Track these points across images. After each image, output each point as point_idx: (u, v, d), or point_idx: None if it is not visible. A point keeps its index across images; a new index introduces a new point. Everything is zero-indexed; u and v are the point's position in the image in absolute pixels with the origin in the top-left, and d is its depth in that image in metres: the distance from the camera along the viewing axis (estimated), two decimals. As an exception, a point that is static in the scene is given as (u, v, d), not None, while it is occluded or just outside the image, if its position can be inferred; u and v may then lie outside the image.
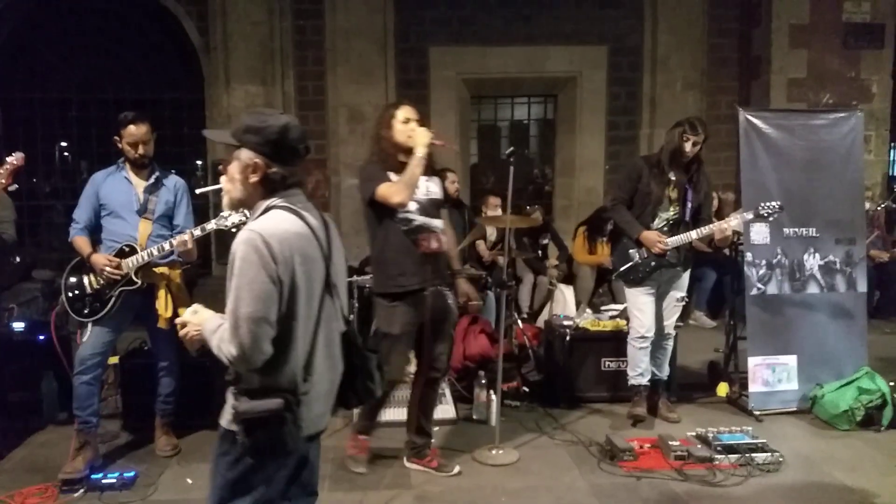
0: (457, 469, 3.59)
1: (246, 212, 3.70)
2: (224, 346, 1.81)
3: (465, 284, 3.72)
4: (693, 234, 4.16)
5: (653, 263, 4.17)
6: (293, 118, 1.99)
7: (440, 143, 3.44)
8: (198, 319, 1.94)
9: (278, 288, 1.82)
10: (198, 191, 4.01)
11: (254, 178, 1.93)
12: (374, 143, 3.49)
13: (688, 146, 4.10)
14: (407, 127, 3.35)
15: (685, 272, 4.31)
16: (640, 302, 4.26)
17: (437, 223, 3.44)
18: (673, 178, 4.18)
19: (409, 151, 3.31)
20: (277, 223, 1.87)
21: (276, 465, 1.92)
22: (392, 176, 3.31)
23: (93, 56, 7.89)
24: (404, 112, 3.40)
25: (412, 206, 3.32)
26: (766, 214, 4.14)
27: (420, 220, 3.36)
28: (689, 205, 4.19)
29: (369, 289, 5.71)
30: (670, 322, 4.35)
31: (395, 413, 4.33)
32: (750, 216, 4.21)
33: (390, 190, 3.24)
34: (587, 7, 7.94)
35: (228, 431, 1.90)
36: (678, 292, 4.31)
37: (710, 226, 4.14)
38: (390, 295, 3.36)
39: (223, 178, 2.00)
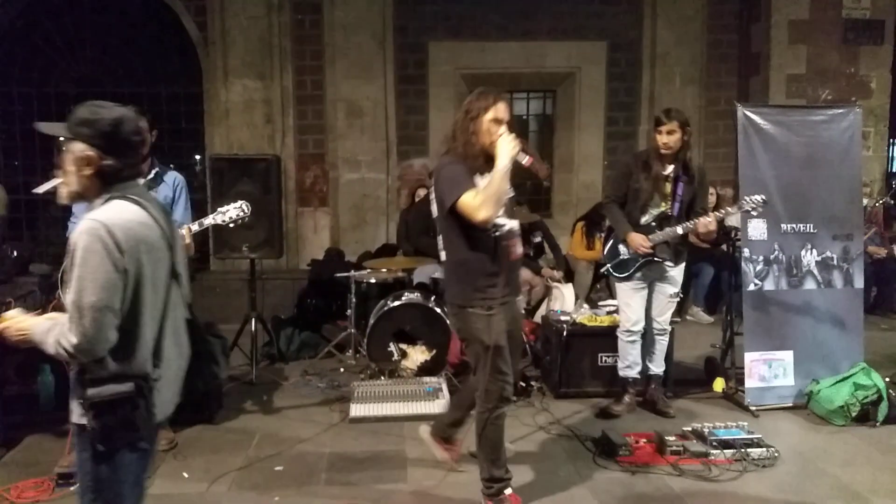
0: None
1: (244, 206, 3.74)
2: (65, 338, 1.81)
3: (525, 272, 3.41)
4: (678, 230, 4.15)
5: (641, 260, 4.20)
6: (129, 110, 2.00)
7: (527, 162, 2.98)
8: (19, 325, 1.96)
9: (123, 277, 1.84)
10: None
11: (87, 171, 1.93)
12: (457, 134, 3.02)
13: (662, 138, 4.11)
14: (494, 128, 2.93)
15: (676, 267, 4.29)
16: (627, 296, 4.32)
17: (517, 226, 3.14)
18: (665, 174, 4.17)
19: (489, 155, 2.93)
20: (120, 213, 1.88)
21: (134, 453, 1.95)
22: (478, 180, 2.93)
23: (90, 50, 7.88)
24: (497, 111, 2.95)
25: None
26: (749, 209, 4.11)
27: (508, 223, 3.04)
28: (679, 199, 4.18)
29: (366, 284, 5.78)
30: (664, 318, 4.35)
31: (392, 407, 4.35)
32: (734, 211, 4.21)
33: (474, 204, 2.83)
34: (586, 2, 7.93)
35: (80, 426, 1.91)
36: (671, 288, 4.29)
37: (694, 220, 4.12)
38: (482, 306, 2.97)
39: (60, 172, 2.00)
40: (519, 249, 3.09)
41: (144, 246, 1.89)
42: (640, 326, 4.29)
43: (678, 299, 4.39)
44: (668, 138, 4.08)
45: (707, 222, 4.06)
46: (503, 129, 2.93)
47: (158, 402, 1.95)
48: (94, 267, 1.80)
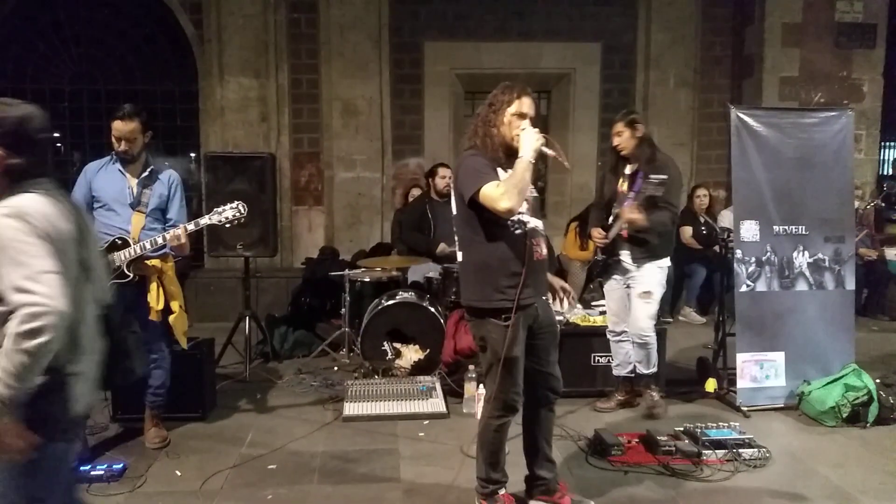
0: None
1: (240, 206, 3.74)
2: (21, 327, 1.75)
3: (556, 280, 3.26)
4: (616, 226, 4.24)
5: (609, 260, 4.34)
6: (35, 108, 1.99)
7: (553, 154, 2.94)
8: None
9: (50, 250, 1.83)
10: None
11: None
12: (478, 127, 2.93)
13: (614, 140, 4.26)
14: (516, 122, 2.87)
15: (644, 266, 4.25)
16: (607, 297, 4.51)
17: (542, 225, 3.04)
18: (626, 172, 4.29)
19: (511, 149, 2.88)
20: (31, 202, 1.87)
21: (54, 446, 1.93)
22: (500, 173, 2.85)
23: (85, 47, 7.84)
24: (521, 105, 2.88)
25: (523, 205, 2.87)
26: (649, 191, 4.05)
27: (533, 221, 2.93)
28: (632, 196, 4.21)
29: (360, 283, 5.79)
30: (640, 316, 4.25)
31: (386, 406, 4.36)
32: (632, 195, 4.17)
33: (497, 192, 2.74)
34: (581, 4, 7.94)
35: None
36: (640, 286, 4.27)
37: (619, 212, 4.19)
38: (502, 311, 2.85)
39: None
40: (543, 250, 2.99)
41: (56, 233, 1.87)
42: (620, 327, 4.39)
43: (650, 298, 4.25)
44: (618, 139, 4.26)
45: (622, 213, 4.11)
46: (526, 122, 2.87)
47: (76, 395, 1.95)
48: (25, 244, 1.79)
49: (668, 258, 4.36)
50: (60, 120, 7.87)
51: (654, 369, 4.39)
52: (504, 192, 2.73)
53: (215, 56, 7.53)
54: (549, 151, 2.92)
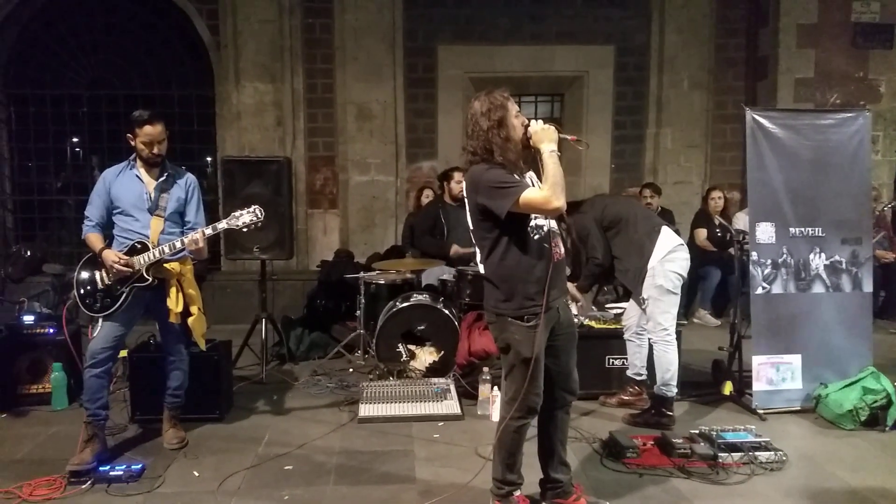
0: None
1: (257, 211, 3.77)
2: None
3: (570, 286, 3.23)
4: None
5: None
6: None
7: (573, 139, 2.97)
8: None
9: None
10: None
11: None
12: (487, 136, 2.84)
13: None
14: (517, 122, 2.88)
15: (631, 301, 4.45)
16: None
17: (556, 226, 3.03)
18: None
19: (520, 150, 2.89)
20: None
21: None
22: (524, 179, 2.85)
23: (103, 52, 7.95)
24: (514, 106, 2.90)
25: None
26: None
27: (547, 224, 2.92)
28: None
29: (375, 285, 5.81)
30: (648, 324, 4.27)
31: (401, 408, 4.37)
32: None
33: (543, 196, 2.74)
34: (594, 7, 7.95)
35: None
36: (636, 295, 4.34)
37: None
38: (529, 316, 2.86)
39: None
40: (562, 249, 3.00)
41: None
42: (630, 326, 4.43)
43: (647, 304, 4.23)
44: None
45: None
46: (522, 118, 2.89)
47: None
48: None
49: (646, 287, 4.25)
50: (79, 125, 7.99)
51: (665, 379, 4.20)
52: (550, 193, 2.74)
53: (231, 61, 7.61)
54: (568, 137, 2.94)
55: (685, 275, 4.29)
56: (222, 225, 3.78)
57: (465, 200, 2.97)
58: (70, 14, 7.86)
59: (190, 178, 3.96)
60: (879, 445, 3.94)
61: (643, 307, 4.29)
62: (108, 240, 3.80)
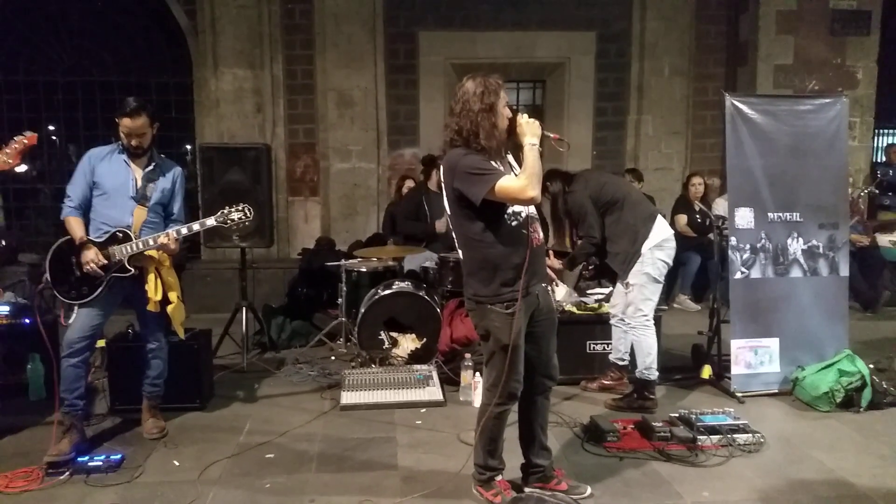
0: (588, 491, 3.17)
1: (246, 209, 3.74)
2: None
3: (550, 268, 3.24)
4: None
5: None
6: None
7: (555, 137, 2.99)
8: None
9: None
10: None
11: None
12: (476, 118, 2.82)
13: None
14: (506, 111, 2.89)
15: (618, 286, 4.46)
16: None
17: (535, 211, 3.01)
18: None
19: (504, 139, 2.91)
20: None
21: None
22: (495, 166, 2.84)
23: (79, 38, 7.82)
24: (505, 94, 2.89)
25: None
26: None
27: (525, 209, 2.91)
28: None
29: (357, 273, 5.80)
30: (628, 309, 4.29)
31: (383, 395, 4.38)
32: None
33: (519, 185, 2.74)
34: (576, -8, 7.94)
35: None
36: (621, 280, 4.38)
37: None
38: (508, 302, 2.87)
39: None
40: (540, 234, 3.01)
41: None
42: (616, 312, 4.43)
43: (631, 290, 4.25)
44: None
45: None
46: (507, 110, 2.90)
47: None
48: None
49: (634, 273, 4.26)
50: (55, 112, 7.85)
51: (645, 364, 4.24)
52: (526, 183, 2.74)
53: (209, 47, 7.51)
54: (551, 134, 2.96)
55: (671, 263, 4.32)
56: (211, 221, 3.78)
57: (442, 185, 2.96)
58: (44, -1, 7.72)
59: (178, 170, 3.91)
60: (854, 426, 4.01)
61: (626, 291, 4.30)
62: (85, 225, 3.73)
